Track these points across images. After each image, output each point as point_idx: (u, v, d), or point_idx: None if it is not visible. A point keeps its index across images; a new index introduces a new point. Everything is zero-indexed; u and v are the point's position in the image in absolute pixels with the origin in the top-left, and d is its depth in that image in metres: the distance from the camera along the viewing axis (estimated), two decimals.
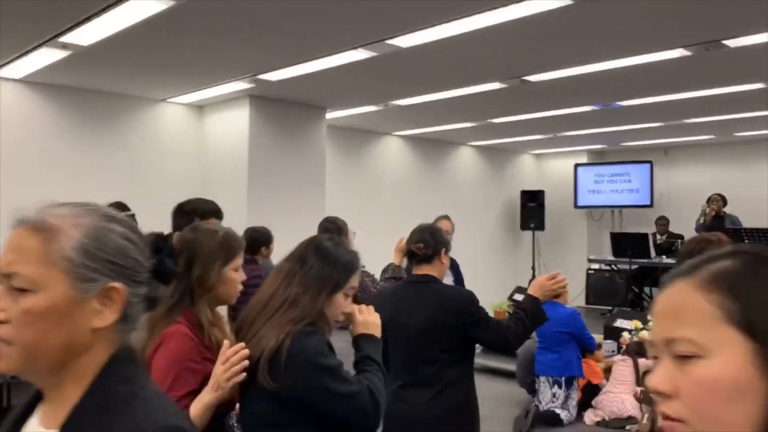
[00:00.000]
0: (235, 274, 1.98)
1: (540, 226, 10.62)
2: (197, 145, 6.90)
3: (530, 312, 2.66)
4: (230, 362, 1.68)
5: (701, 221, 8.18)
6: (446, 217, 4.52)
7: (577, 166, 10.93)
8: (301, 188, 6.74)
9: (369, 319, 1.88)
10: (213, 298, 1.94)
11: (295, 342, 1.64)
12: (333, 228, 3.96)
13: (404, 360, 2.62)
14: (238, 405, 1.83)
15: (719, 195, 8.67)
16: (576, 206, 10.92)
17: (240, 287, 2.01)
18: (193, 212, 2.77)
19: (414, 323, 2.59)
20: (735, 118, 7.73)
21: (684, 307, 0.74)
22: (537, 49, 4.75)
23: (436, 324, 2.56)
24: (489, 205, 10.88)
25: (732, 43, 4.54)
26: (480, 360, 7.40)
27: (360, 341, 1.85)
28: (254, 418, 1.73)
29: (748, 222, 8.18)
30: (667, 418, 0.73)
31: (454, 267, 4.25)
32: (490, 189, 10.92)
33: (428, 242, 2.75)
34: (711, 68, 5.29)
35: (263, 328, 1.70)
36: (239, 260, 2.00)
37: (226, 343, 1.73)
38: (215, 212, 2.84)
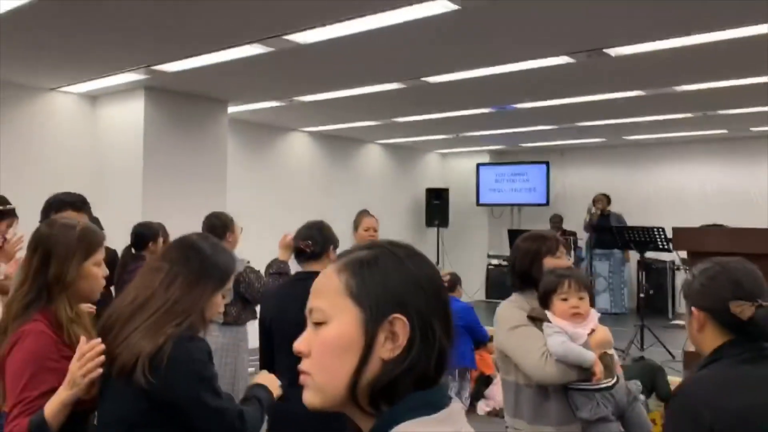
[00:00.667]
0: (97, 269, 1.93)
1: (444, 223, 10.89)
2: (90, 136, 6.61)
3: None
4: (86, 358, 1.65)
5: (587, 219, 8.66)
6: (367, 213, 4.42)
7: (479, 165, 11.29)
8: (200, 182, 6.60)
9: (270, 381, 2.03)
10: (74, 294, 1.89)
11: (177, 346, 1.62)
12: (219, 224, 3.91)
13: (290, 358, 2.62)
14: None
15: (603, 195, 9.29)
16: (478, 204, 11.28)
17: (102, 282, 1.96)
18: (49, 206, 2.66)
19: (300, 320, 2.60)
20: (621, 122, 8.22)
21: (323, 284, 0.97)
22: (431, 51, 4.88)
23: None
24: (395, 202, 11.04)
25: (613, 51, 4.84)
26: None
27: (255, 389, 1.96)
28: (114, 416, 1.69)
29: (634, 220, 8.73)
30: (302, 372, 0.96)
31: None
32: (397, 187, 11.09)
33: (316, 239, 2.75)
34: (594, 75, 5.61)
35: (141, 327, 1.65)
36: (100, 255, 1.95)
37: (82, 339, 1.70)
38: (72, 204, 2.67)
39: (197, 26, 4.29)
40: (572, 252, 9.06)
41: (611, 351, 2.22)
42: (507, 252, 9.70)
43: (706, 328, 1.61)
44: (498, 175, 11.15)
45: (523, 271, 2.38)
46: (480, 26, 4.24)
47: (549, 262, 2.34)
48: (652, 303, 8.57)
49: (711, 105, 7.04)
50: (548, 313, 2.20)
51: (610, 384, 2.13)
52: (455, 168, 12.07)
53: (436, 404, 0.89)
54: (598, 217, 8.91)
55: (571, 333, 2.15)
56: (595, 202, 9.20)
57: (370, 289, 0.91)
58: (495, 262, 10.44)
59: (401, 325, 0.89)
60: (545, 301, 2.22)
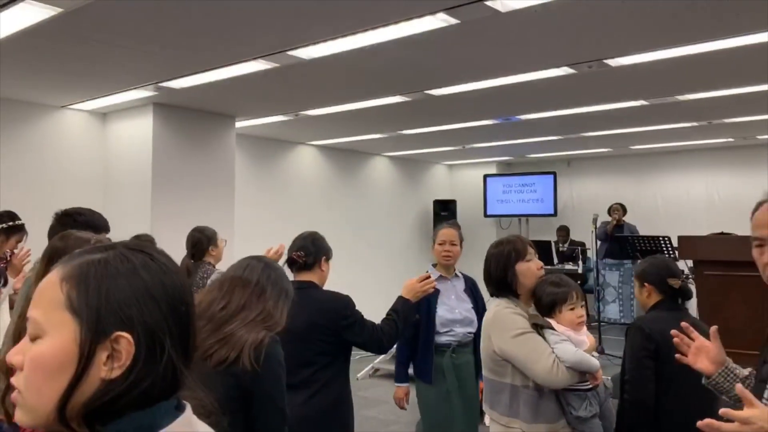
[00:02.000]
0: None
1: None
2: (100, 152, 6.73)
3: (401, 313, 2.85)
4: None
5: (594, 229, 8.61)
6: (447, 224, 3.85)
7: (486, 176, 11.33)
8: (208, 197, 6.69)
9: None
10: None
11: (272, 345, 1.94)
12: (203, 238, 4.00)
13: None
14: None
15: (620, 204, 9.20)
16: (486, 215, 11.31)
17: None
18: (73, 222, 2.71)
19: (292, 328, 2.67)
20: (626, 132, 8.25)
21: (44, 293, 0.86)
22: (433, 64, 4.95)
23: (313, 328, 2.67)
24: (403, 214, 11.11)
25: (613, 62, 4.89)
26: (386, 365, 7.58)
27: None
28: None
29: (641, 229, 8.74)
30: (15, 388, 0.84)
31: (472, 286, 3.81)
32: (405, 198, 11.16)
33: (309, 250, 2.87)
34: (596, 86, 5.66)
35: (242, 327, 1.94)
36: None
37: None
38: (95, 227, 2.70)
39: (203, 43, 4.39)
40: (580, 263, 9.06)
41: (595, 354, 2.38)
42: None
43: (651, 294, 2.73)
44: (505, 186, 11.18)
45: (498, 277, 2.48)
46: (479, 39, 4.31)
47: (521, 267, 2.44)
48: None
49: (715, 114, 7.07)
50: (552, 321, 2.30)
51: (597, 384, 2.32)
52: (462, 179, 12.12)
53: (150, 426, 0.83)
54: (613, 227, 8.90)
55: (575, 340, 2.31)
56: (611, 211, 9.16)
57: (92, 302, 0.83)
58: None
59: (125, 344, 0.82)
60: (551, 310, 2.33)
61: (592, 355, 2.29)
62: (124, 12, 3.78)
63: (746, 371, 1.95)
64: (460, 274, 3.79)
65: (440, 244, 3.62)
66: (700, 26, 4.08)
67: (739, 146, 9.51)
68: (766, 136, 8.78)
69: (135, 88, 5.68)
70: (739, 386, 1.48)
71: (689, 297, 2.74)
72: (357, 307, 2.84)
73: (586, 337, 2.34)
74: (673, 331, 1.94)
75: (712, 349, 1.94)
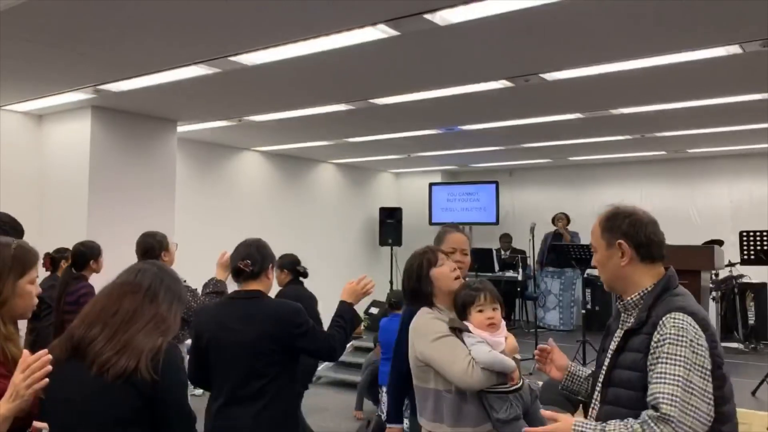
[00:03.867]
0: (31, 287, 1.96)
1: (397, 242, 11.01)
2: (36, 155, 6.53)
3: (347, 318, 2.84)
4: (31, 369, 1.69)
5: (530, 238, 8.69)
6: (454, 228, 3.07)
7: (431, 185, 11.48)
8: (148, 202, 6.57)
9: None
10: (8, 312, 1.91)
11: (170, 350, 1.85)
12: (154, 243, 3.94)
13: (230, 377, 2.64)
14: (35, 422, 1.83)
15: (563, 214, 9.47)
16: (431, 223, 11.42)
17: (36, 300, 2.00)
18: None
19: (241, 339, 2.61)
20: (564, 144, 8.51)
21: None
22: (375, 74, 5.01)
23: (264, 338, 2.59)
24: (349, 221, 11.14)
25: (549, 77, 5.05)
26: (329, 372, 7.59)
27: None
28: (111, 417, 1.79)
29: (582, 240, 8.99)
30: None
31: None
32: (351, 206, 11.19)
33: (255, 258, 2.75)
34: (533, 99, 5.83)
35: (138, 334, 1.84)
36: (34, 273, 1.99)
37: (25, 352, 1.75)
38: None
39: (142, 47, 4.33)
40: (520, 270, 9.26)
41: (518, 356, 2.40)
42: None
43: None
44: (450, 194, 11.35)
45: (412, 288, 2.54)
46: (420, 51, 4.39)
47: (435, 273, 2.50)
48: (598, 319, 8.80)
49: (647, 128, 7.36)
50: (468, 324, 2.35)
51: (519, 385, 2.32)
52: (408, 187, 12.24)
53: None
54: (555, 235, 9.15)
55: (491, 342, 2.32)
56: (555, 220, 9.41)
57: None
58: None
59: None
60: (463, 313, 2.38)
61: (514, 358, 2.33)
62: (59, 12, 3.71)
63: (587, 372, 2.19)
64: None
65: (451, 251, 2.84)
66: (633, 44, 4.27)
67: (671, 159, 9.92)
68: (696, 150, 9.19)
69: (72, 90, 5.54)
70: (543, 411, 1.91)
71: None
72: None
73: (504, 339, 2.36)
74: (536, 350, 2.25)
75: (556, 358, 2.22)
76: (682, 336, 1.72)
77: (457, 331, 2.34)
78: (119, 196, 6.32)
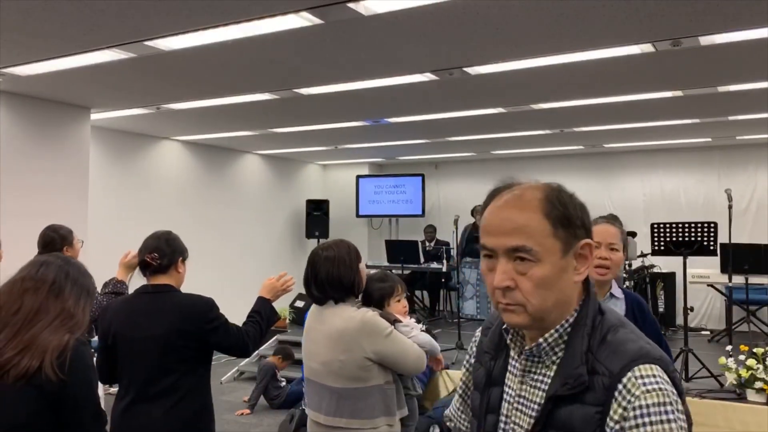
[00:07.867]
0: None
1: (324, 234, 10.95)
2: None
3: (264, 314, 2.79)
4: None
5: (453, 230, 8.89)
6: (603, 219, 2.58)
7: (358, 177, 11.47)
8: (59, 193, 6.24)
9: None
10: None
11: (77, 348, 1.81)
12: (56, 237, 3.75)
13: (139, 373, 2.56)
14: None
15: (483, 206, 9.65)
16: (358, 215, 11.44)
17: None
18: None
19: (151, 335, 2.53)
20: (487, 138, 8.68)
21: None
22: (299, 63, 4.92)
23: (175, 333, 2.52)
24: (275, 213, 10.98)
25: (472, 71, 5.11)
26: (250, 368, 7.46)
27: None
28: (11, 423, 1.72)
29: None
30: None
31: (636, 308, 2.58)
32: (277, 198, 11.03)
33: (164, 251, 2.68)
34: (457, 92, 5.89)
35: (42, 333, 1.78)
36: None
37: None
38: None
39: (49, 27, 4.08)
40: (444, 261, 9.39)
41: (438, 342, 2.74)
42: (385, 262, 9.90)
43: None
44: (377, 187, 11.38)
45: (350, 282, 2.56)
46: (344, 41, 4.35)
47: (361, 267, 2.61)
48: None
49: (566, 123, 7.60)
50: (398, 315, 2.49)
51: (442, 366, 2.75)
52: (335, 179, 12.18)
53: None
54: (472, 226, 9.32)
55: (416, 327, 2.58)
56: (474, 213, 9.57)
57: None
58: (374, 272, 10.60)
59: None
60: (381, 304, 2.49)
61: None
62: None
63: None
64: (619, 294, 2.58)
65: (597, 243, 2.30)
66: (553, 40, 4.36)
67: (588, 153, 10.30)
68: (612, 145, 9.57)
69: None
70: None
71: None
72: (221, 311, 2.72)
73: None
74: None
75: None
76: (666, 409, 1.07)
77: (393, 323, 2.49)
78: (29, 186, 5.98)
